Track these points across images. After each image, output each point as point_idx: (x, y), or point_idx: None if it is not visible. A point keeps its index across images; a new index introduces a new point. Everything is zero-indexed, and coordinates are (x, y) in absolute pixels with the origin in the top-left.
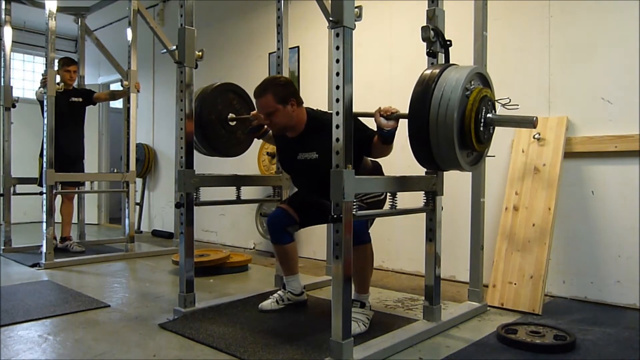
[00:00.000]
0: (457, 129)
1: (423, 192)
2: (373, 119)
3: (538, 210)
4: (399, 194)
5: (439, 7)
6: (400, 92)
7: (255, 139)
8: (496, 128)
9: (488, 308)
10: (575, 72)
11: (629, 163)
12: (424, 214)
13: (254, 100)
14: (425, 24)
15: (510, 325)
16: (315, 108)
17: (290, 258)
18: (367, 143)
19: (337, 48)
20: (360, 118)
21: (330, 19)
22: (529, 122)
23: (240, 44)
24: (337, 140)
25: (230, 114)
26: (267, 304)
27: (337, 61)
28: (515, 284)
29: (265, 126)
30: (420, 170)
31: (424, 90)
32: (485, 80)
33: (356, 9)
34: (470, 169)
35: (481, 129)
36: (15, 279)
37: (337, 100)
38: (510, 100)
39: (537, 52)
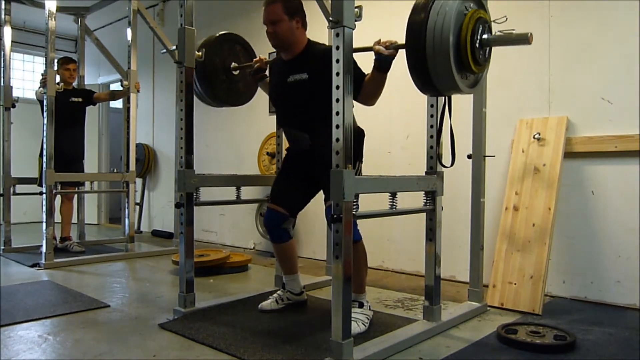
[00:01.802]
0: (454, 50)
1: (423, 192)
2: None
3: (538, 210)
4: (399, 194)
5: None
6: (401, 92)
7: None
8: (495, 128)
9: (488, 308)
10: (575, 72)
11: (629, 163)
12: (424, 214)
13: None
14: None
15: (510, 325)
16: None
17: (288, 257)
18: (357, 82)
19: (337, 48)
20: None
21: (330, 19)
22: (524, 39)
23: None
24: (337, 140)
25: (233, 63)
26: (267, 303)
27: (337, 61)
28: (515, 284)
29: (267, 72)
30: (421, 170)
31: (419, 16)
32: (480, 3)
33: (356, 9)
34: (469, 91)
35: (478, 50)
36: (15, 279)
37: (337, 101)
38: (506, 18)
39: (537, 52)
